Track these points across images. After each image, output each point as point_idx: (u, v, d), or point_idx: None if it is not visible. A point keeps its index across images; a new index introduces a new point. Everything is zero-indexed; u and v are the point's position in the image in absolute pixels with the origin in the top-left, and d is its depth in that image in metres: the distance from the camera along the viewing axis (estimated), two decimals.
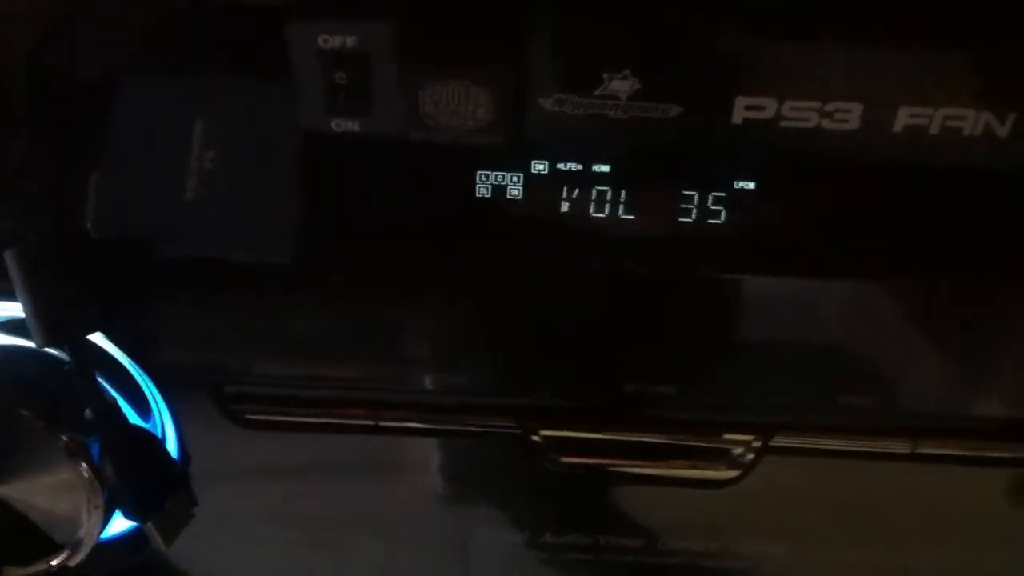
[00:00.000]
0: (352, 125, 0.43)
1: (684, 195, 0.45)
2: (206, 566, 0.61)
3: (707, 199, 0.45)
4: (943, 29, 0.40)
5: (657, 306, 0.48)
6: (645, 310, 0.49)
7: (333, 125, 0.43)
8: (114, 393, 0.50)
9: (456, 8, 0.40)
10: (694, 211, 0.46)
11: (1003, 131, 0.41)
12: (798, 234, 0.46)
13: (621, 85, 0.41)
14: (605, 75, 0.41)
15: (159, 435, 0.52)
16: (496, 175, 0.45)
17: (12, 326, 0.48)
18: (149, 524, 0.48)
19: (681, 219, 0.46)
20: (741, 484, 0.51)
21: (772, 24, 0.40)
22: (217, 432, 0.52)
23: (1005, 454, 0.51)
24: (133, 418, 0.51)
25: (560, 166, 0.45)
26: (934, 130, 0.41)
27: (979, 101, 0.41)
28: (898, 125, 0.41)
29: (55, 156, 0.44)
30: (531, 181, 0.45)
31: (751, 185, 0.44)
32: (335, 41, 0.40)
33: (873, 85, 0.41)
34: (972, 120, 0.41)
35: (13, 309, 0.47)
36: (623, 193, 0.46)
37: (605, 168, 0.45)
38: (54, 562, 0.49)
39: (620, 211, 0.46)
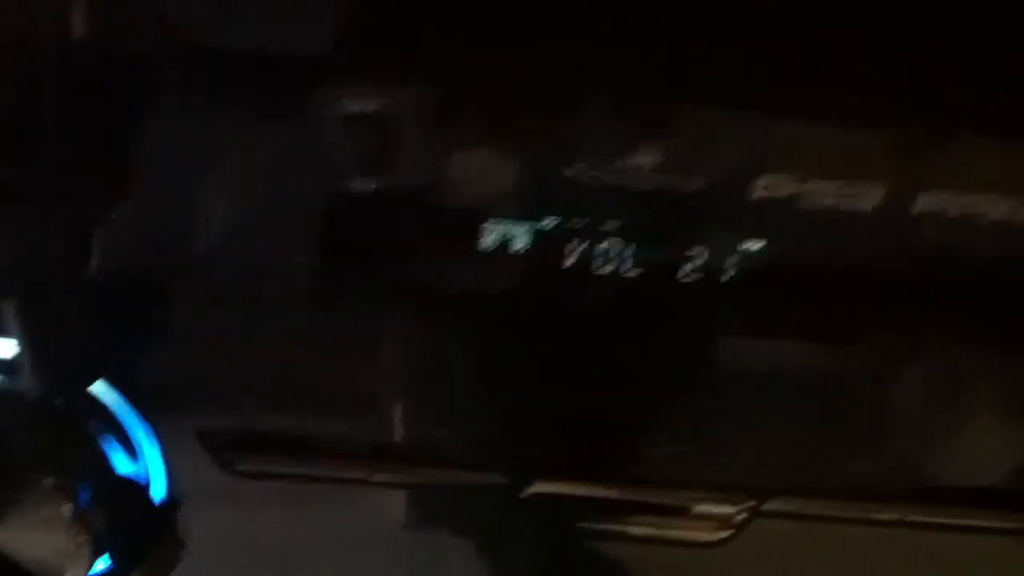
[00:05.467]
0: (371, 185, 0.42)
1: (690, 255, 0.45)
2: None
3: (714, 259, 0.45)
4: (969, 117, 0.40)
5: (656, 364, 0.48)
6: (644, 368, 0.48)
7: (352, 184, 0.42)
8: (103, 437, 0.49)
9: (482, 79, 0.39)
10: (700, 271, 0.45)
11: None
12: (803, 300, 0.46)
13: (645, 158, 0.41)
14: (628, 147, 0.41)
15: (147, 480, 0.51)
16: (502, 227, 0.45)
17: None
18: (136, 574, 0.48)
19: (685, 279, 0.45)
20: (731, 545, 0.52)
21: (798, 104, 0.40)
22: (206, 477, 0.51)
23: (996, 524, 0.51)
24: (122, 464, 0.50)
25: (568, 221, 0.44)
26: (953, 214, 0.41)
27: (1003, 188, 0.41)
28: (916, 208, 0.41)
29: (59, 197, 0.43)
30: (537, 234, 0.45)
31: (759, 246, 0.44)
32: (360, 104, 0.40)
33: (896, 169, 0.41)
34: (994, 207, 0.41)
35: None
36: (629, 249, 0.45)
37: (613, 225, 0.44)
38: None
39: (626, 266, 0.45)
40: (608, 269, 0.46)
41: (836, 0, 0.38)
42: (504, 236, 0.45)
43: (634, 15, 0.39)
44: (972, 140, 0.41)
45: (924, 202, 0.41)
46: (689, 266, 0.45)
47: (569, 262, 0.45)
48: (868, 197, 0.41)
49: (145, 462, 0.51)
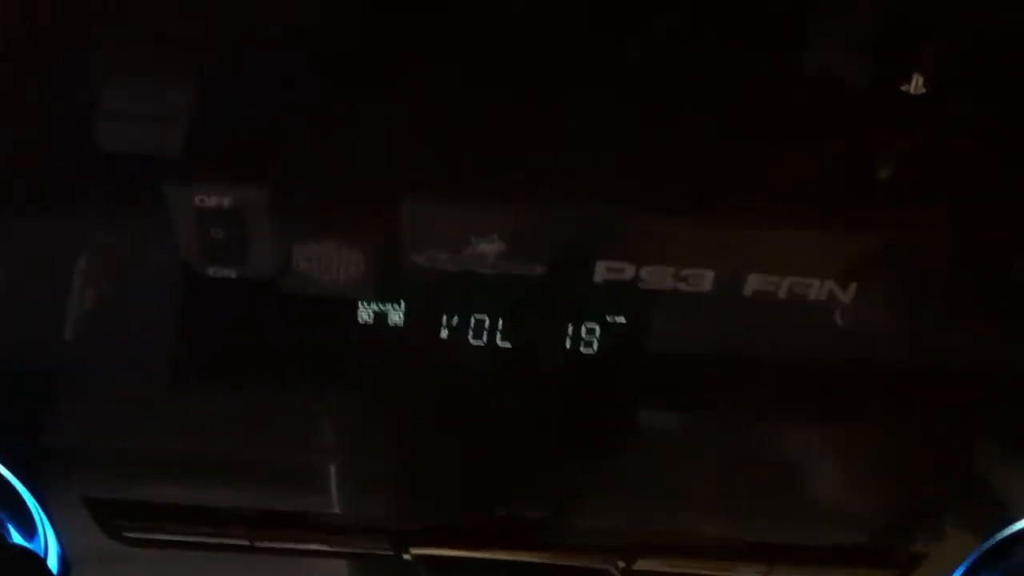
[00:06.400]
0: (229, 273, 0.44)
1: (558, 326, 0.47)
2: None
3: (577, 334, 0.47)
4: (789, 210, 0.42)
5: (532, 431, 0.50)
6: (520, 435, 0.50)
7: (210, 272, 0.44)
8: None
9: (327, 174, 0.42)
10: (568, 341, 0.47)
11: (845, 297, 0.44)
12: (664, 372, 0.48)
13: (489, 247, 0.43)
14: (473, 238, 0.43)
15: (43, 553, 0.53)
16: (377, 303, 0.47)
17: None
18: None
19: (554, 351, 0.48)
20: None
21: (629, 197, 0.42)
22: (96, 544, 0.53)
23: None
24: (16, 537, 0.51)
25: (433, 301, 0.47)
26: (782, 295, 0.44)
27: (823, 271, 0.43)
28: (748, 290, 0.44)
29: None
30: (412, 309, 0.47)
31: (616, 323, 0.46)
32: (211, 200, 0.42)
33: (722, 255, 0.43)
34: (817, 287, 0.44)
35: None
36: (500, 322, 0.47)
37: (476, 303, 0.47)
38: None
39: (497, 339, 0.48)
40: (481, 342, 0.48)
41: (657, 102, 0.40)
42: (378, 312, 0.47)
43: (466, 115, 0.41)
44: (790, 229, 0.43)
45: (753, 285, 0.44)
46: (555, 339, 0.47)
47: (444, 334, 0.47)
48: (701, 280, 0.44)
49: (42, 535, 0.53)
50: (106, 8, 0.39)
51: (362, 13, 0.39)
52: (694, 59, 0.40)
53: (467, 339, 0.48)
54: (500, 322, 0.47)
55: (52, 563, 0.54)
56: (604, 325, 0.47)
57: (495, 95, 0.41)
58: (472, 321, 0.47)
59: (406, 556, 0.53)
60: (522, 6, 0.39)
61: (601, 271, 0.44)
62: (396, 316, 0.47)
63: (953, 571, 0.53)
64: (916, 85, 0.40)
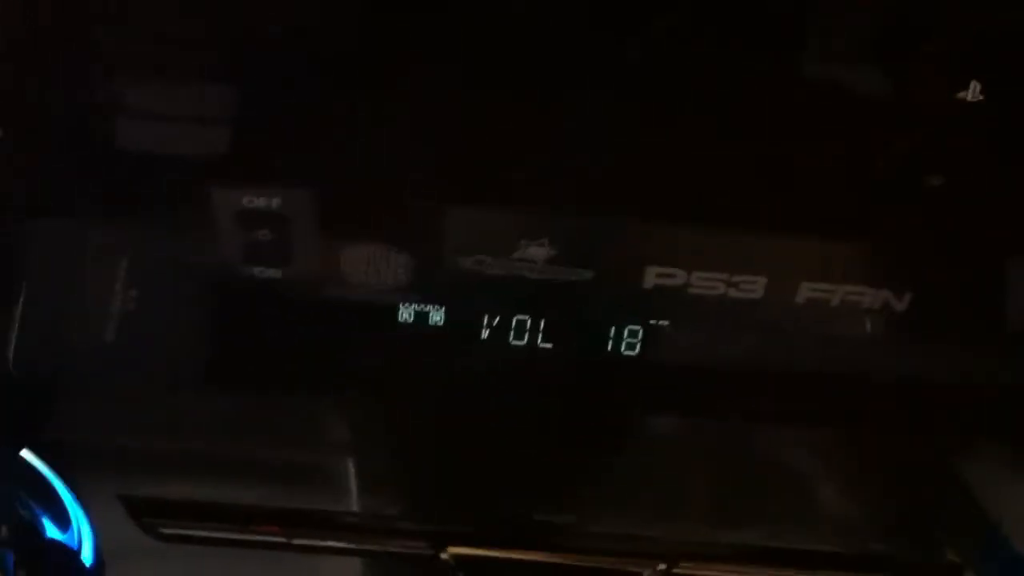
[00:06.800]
0: (274, 274, 0.43)
1: (600, 329, 0.47)
2: None
3: (623, 333, 0.46)
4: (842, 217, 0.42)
5: (573, 435, 0.50)
6: (562, 438, 0.50)
7: (255, 272, 0.43)
8: (33, 504, 0.51)
9: (374, 177, 0.41)
10: (609, 343, 0.47)
11: (900, 306, 0.43)
12: (703, 379, 0.47)
13: (538, 251, 0.43)
14: (523, 241, 0.42)
15: (76, 546, 0.53)
16: (415, 307, 0.46)
17: None
18: None
19: (596, 350, 0.47)
20: None
21: (681, 204, 0.42)
22: (132, 540, 0.53)
23: None
24: (51, 530, 0.51)
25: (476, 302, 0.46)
26: (835, 303, 0.43)
27: (878, 280, 0.43)
28: (800, 297, 0.43)
29: None
30: (453, 309, 0.46)
31: (661, 327, 0.46)
32: (259, 202, 0.41)
33: (777, 261, 0.42)
34: (871, 296, 0.43)
35: None
36: (542, 323, 0.47)
37: (520, 304, 0.46)
38: None
39: (539, 339, 0.47)
40: (522, 342, 0.47)
41: (706, 115, 0.40)
42: (419, 312, 0.46)
43: (519, 118, 0.40)
44: (844, 238, 0.42)
45: (805, 292, 0.43)
46: (599, 342, 0.47)
47: (485, 334, 0.47)
48: (753, 287, 0.43)
49: (76, 528, 0.53)
50: (114, 8, 0.38)
51: (412, 12, 0.39)
52: (753, 66, 0.39)
53: (507, 340, 0.47)
54: (542, 323, 0.46)
55: (86, 557, 0.54)
56: (653, 328, 0.46)
57: (544, 98, 0.40)
58: (513, 322, 0.46)
59: (444, 556, 0.53)
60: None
61: (651, 276, 0.43)
62: (437, 316, 0.46)
63: None
64: (973, 92, 0.39)
